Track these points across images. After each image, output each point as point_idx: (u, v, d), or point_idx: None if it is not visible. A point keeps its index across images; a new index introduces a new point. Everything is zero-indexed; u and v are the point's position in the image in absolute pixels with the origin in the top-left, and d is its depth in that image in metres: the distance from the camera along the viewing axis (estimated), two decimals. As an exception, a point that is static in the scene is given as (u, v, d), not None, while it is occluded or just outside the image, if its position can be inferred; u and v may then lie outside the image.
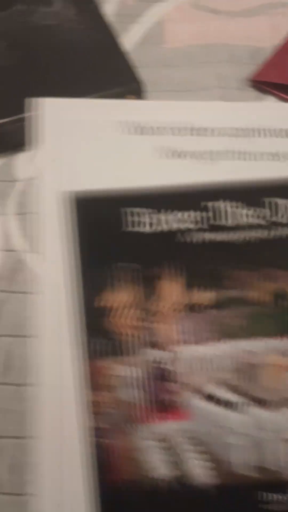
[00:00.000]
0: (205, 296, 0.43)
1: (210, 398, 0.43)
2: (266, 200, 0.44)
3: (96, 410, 0.43)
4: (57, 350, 0.44)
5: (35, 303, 0.46)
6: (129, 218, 0.44)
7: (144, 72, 0.74)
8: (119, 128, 0.46)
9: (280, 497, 0.43)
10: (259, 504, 0.43)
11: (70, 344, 0.44)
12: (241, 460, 0.43)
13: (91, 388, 0.43)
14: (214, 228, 0.44)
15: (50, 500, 0.42)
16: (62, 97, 0.57)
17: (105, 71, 0.71)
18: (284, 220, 0.44)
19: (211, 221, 0.44)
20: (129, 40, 0.80)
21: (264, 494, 0.43)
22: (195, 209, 0.44)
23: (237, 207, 0.44)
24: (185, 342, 0.43)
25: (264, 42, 0.79)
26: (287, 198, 0.44)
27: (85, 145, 0.48)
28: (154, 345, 0.43)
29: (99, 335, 0.44)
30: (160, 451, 0.43)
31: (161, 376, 0.43)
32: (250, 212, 0.44)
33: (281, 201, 0.44)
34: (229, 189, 0.44)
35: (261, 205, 0.44)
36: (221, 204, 0.44)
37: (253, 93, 0.73)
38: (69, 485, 0.42)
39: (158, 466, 0.43)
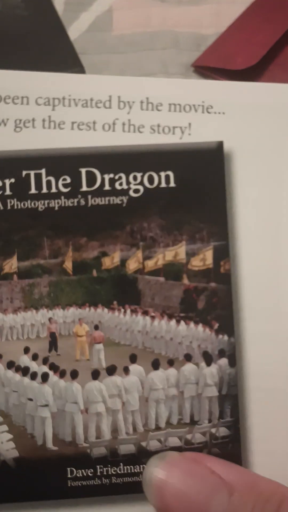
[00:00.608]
0: (11, 264, 0.43)
1: (13, 367, 0.42)
2: (81, 170, 0.43)
3: None
4: None
5: None
6: None
7: (90, 59, 0.76)
8: None
9: (88, 473, 0.41)
10: (69, 480, 0.42)
11: None
12: (46, 433, 0.42)
13: None
14: (29, 196, 0.43)
15: None
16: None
17: (49, 57, 0.71)
18: (92, 189, 0.43)
19: (22, 188, 0.43)
20: (78, 27, 0.81)
21: (74, 470, 0.42)
22: (9, 176, 0.43)
23: (51, 176, 0.43)
24: (-10, 310, 0.43)
25: (208, 29, 0.81)
26: (97, 168, 0.43)
27: None
28: None
29: None
30: None
31: None
32: (63, 181, 0.43)
33: (91, 171, 0.43)
34: (47, 157, 0.44)
35: (74, 174, 0.43)
36: (34, 171, 0.43)
37: (196, 78, 0.74)
38: None
39: None
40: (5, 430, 0.42)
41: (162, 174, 0.43)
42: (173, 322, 0.44)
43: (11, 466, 0.41)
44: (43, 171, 0.43)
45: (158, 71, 0.76)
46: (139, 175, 0.43)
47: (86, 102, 0.44)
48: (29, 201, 0.42)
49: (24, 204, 0.42)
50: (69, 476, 0.42)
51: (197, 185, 0.43)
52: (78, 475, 0.42)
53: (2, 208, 0.42)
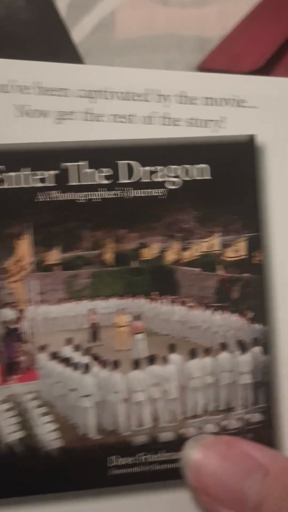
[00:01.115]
0: (54, 255, 0.43)
1: (57, 358, 0.43)
2: (118, 162, 0.43)
3: None
4: None
5: None
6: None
7: (95, 61, 0.75)
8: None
9: (129, 461, 0.42)
10: (110, 469, 0.43)
11: None
12: (88, 422, 0.42)
13: None
14: (69, 188, 0.43)
15: None
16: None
17: (53, 60, 0.68)
18: (131, 181, 0.43)
19: (63, 180, 0.43)
20: (81, 30, 0.79)
21: (114, 458, 0.43)
22: (50, 168, 0.43)
23: (91, 167, 0.43)
24: (35, 301, 0.43)
25: (212, 32, 0.79)
26: (136, 160, 0.44)
27: None
28: (5, 304, 0.42)
29: None
30: (7, 413, 0.42)
31: (10, 336, 0.42)
32: (102, 173, 0.43)
33: (130, 163, 0.44)
34: (86, 149, 0.44)
35: (112, 166, 0.43)
36: (74, 163, 0.43)
37: None
38: None
39: (6, 429, 0.42)
40: (50, 420, 0.42)
41: (198, 166, 0.44)
42: (209, 312, 0.44)
43: (55, 456, 0.41)
44: (83, 163, 0.43)
45: (162, 73, 0.74)
46: (176, 167, 0.44)
47: (124, 95, 0.45)
48: (70, 193, 0.42)
49: (65, 196, 0.42)
50: (110, 464, 0.42)
51: (230, 178, 0.44)
52: (119, 463, 0.42)
53: (43, 200, 0.42)
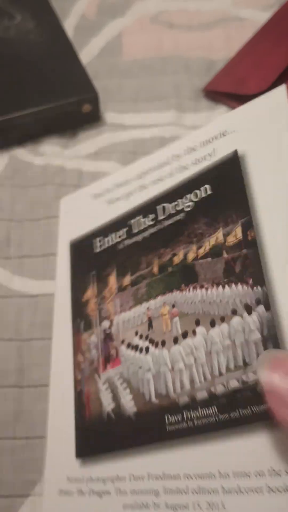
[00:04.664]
0: (127, 279, 0.57)
1: (130, 346, 0.49)
2: (157, 207, 0.57)
3: (78, 367, 0.54)
4: (62, 329, 0.58)
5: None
6: (96, 243, 0.59)
7: (102, 83, 0.68)
8: (92, 198, 0.65)
9: (178, 418, 0.45)
10: (166, 426, 0.45)
11: (66, 325, 0.57)
12: (150, 390, 0.47)
13: (76, 353, 0.56)
14: (131, 235, 0.58)
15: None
16: (23, 105, 0.61)
17: (63, 82, 0.64)
18: (164, 216, 0.53)
19: (130, 232, 0.59)
20: (89, 52, 0.73)
21: (169, 416, 0.45)
22: (123, 227, 0.57)
23: (143, 217, 0.58)
24: (118, 312, 0.55)
25: (218, 54, 0.70)
26: (166, 202, 0.53)
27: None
28: (104, 318, 0.57)
29: (81, 318, 0.56)
30: (107, 391, 0.50)
31: (107, 338, 0.56)
32: (148, 219, 0.58)
33: (163, 205, 0.54)
34: (139, 208, 0.59)
35: (154, 211, 0.58)
36: (135, 219, 0.59)
37: (206, 102, 0.66)
38: (63, 420, 0.53)
39: (106, 402, 0.49)
40: (128, 392, 0.50)
41: (202, 188, 0.53)
42: (220, 288, 0.49)
43: (133, 418, 0.49)
44: (138, 217, 0.57)
45: (170, 95, 0.66)
46: (189, 195, 0.53)
47: (156, 174, 0.58)
48: (133, 238, 0.56)
49: (130, 241, 0.56)
50: (166, 422, 0.46)
51: (225, 186, 0.51)
52: (172, 421, 0.46)
53: (122, 247, 0.57)
